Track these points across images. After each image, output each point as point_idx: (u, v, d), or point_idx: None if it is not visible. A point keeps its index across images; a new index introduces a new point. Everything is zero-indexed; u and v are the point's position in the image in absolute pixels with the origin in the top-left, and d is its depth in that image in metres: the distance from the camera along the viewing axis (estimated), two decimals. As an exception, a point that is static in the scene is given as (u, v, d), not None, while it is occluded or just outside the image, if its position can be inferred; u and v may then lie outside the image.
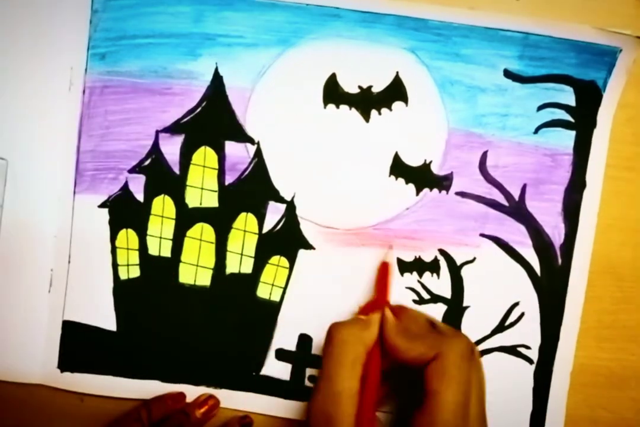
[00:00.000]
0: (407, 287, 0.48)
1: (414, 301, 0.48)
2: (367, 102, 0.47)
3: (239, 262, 0.48)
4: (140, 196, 0.48)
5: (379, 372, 0.40)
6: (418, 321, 0.43)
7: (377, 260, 0.47)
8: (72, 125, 0.47)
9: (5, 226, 0.48)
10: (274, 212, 0.48)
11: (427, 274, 0.48)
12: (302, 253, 0.48)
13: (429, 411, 0.36)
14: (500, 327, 0.48)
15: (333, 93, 0.47)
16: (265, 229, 0.48)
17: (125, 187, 0.48)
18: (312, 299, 0.48)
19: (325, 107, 0.47)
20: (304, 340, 0.48)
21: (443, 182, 0.48)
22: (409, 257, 0.48)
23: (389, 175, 0.47)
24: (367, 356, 0.40)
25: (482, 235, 0.48)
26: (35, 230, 0.48)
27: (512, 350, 0.48)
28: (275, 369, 0.49)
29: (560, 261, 0.48)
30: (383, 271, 0.46)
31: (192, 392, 0.48)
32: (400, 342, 0.39)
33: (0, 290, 0.48)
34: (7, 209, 0.48)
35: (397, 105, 0.47)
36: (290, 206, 0.48)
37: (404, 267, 0.48)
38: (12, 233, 0.48)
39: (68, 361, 0.49)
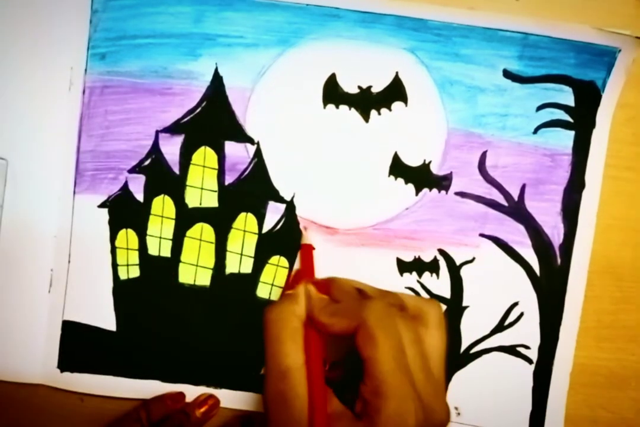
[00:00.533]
0: (406, 287, 0.48)
1: (414, 301, 0.48)
2: (366, 102, 0.47)
3: (238, 262, 0.48)
4: (140, 196, 0.48)
5: (320, 342, 0.39)
6: (345, 290, 0.42)
7: (377, 260, 0.48)
8: (72, 125, 0.47)
9: (5, 226, 0.48)
10: (274, 212, 0.48)
11: (426, 274, 0.48)
12: (302, 253, 0.48)
13: (369, 378, 0.36)
14: (500, 327, 0.48)
15: (333, 93, 0.47)
16: (265, 229, 0.48)
17: (125, 187, 0.48)
18: (312, 299, 0.48)
19: (324, 107, 0.47)
20: (304, 340, 0.48)
21: (442, 182, 0.48)
22: (408, 257, 0.48)
23: (389, 176, 0.48)
24: (304, 328, 0.39)
25: (482, 235, 0.48)
26: (35, 230, 0.48)
27: (511, 350, 0.48)
28: (275, 369, 0.49)
29: (559, 260, 0.48)
30: (305, 252, 0.47)
31: (192, 392, 0.48)
32: (324, 319, 0.39)
33: (0, 290, 0.48)
34: (7, 209, 0.47)
35: (397, 105, 0.47)
36: (290, 206, 0.48)
37: (404, 267, 0.48)
38: (12, 233, 0.48)
39: (68, 361, 0.49)
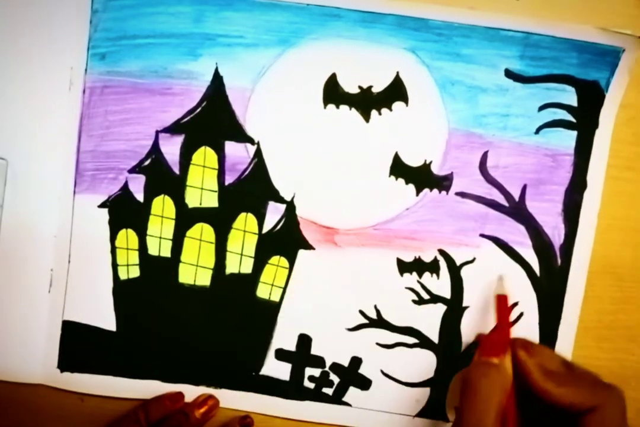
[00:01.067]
0: (406, 288, 0.48)
1: (414, 301, 0.48)
2: (367, 102, 0.47)
3: (238, 262, 0.48)
4: (140, 196, 0.48)
5: (515, 413, 0.40)
6: (554, 358, 0.42)
7: (377, 260, 0.48)
8: (72, 125, 0.47)
9: (5, 226, 0.48)
10: (274, 212, 0.48)
11: (426, 274, 0.48)
12: (301, 253, 0.48)
13: None
14: (500, 328, 0.48)
15: (333, 93, 0.47)
16: (265, 229, 0.48)
17: (125, 187, 0.48)
18: (312, 299, 0.48)
19: (325, 107, 0.47)
20: (304, 340, 0.48)
21: (443, 183, 0.47)
22: (408, 258, 0.48)
23: (389, 176, 0.47)
24: (508, 398, 0.39)
25: (482, 235, 0.48)
26: (35, 230, 0.48)
27: (511, 350, 0.48)
28: (274, 369, 0.49)
29: (559, 261, 0.48)
30: (501, 302, 0.45)
31: (192, 392, 0.49)
32: (551, 387, 0.38)
33: (1, 290, 0.48)
34: (7, 209, 0.48)
35: (398, 105, 0.47)
36: (290, 206, 0.48)
37: (404, 267, 0.48)
38: (12, 233, 0.48)
39: (68, 361, 0.49)
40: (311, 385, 0.49)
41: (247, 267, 0.48)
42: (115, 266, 0.48)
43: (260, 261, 0.48)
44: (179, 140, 0.47)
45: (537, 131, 0.47)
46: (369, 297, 0.48)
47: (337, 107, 0.47)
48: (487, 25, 0.46)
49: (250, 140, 0.47)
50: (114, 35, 0.47)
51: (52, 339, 0.48)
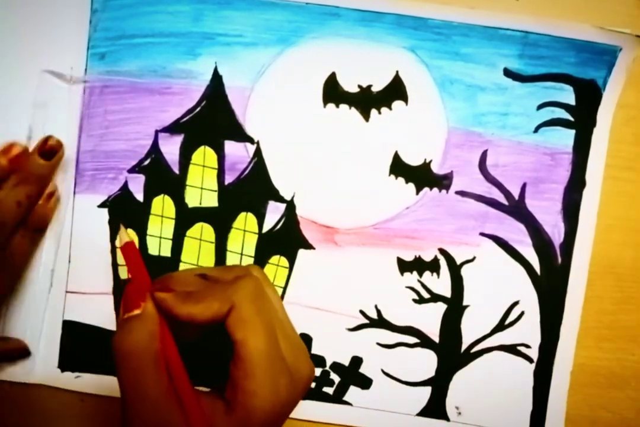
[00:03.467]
0: (407, 287, 0.48)
1: (414, 301, 0.48)
2: (366, 101, 0.47)
3: (238, 261, 0.48)
4: (140, 196, 0.48)
5: (177, 354, 0.36)
6: (189, 280, 0.39)
7: (377, 260, 0.48)
8: (72, 125, 0.47)
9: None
10: (274, 212, 0.48)
11: (427, 274, 0.48)
12: (302, 253, 0.48)
13: (240, 360, 0.35)
14: (500, 326, 0.48)
15: (333, 92, 0.47)
16: (265, 229, 0.48)
17: (125, 187, 0.48)
18: (312, 299, 0.48)
19: (324, 106, 0.47)
20: (304, 339, 0.48)
21: (443, 182, 0.47)
22: (409, 257, 0.48)
23: (389, 175, 0.47)
24: (161, 343, 0.36)
25: (482, 234, 0.48)
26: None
27: (512, 349, 0.48)
28: (275, 368, 0.49)
29: (560, 260, 0.48)
30: (129, 251, 0.39)
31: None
32: (192, 309, 0.35)
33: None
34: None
35: (397, 104, 0.47)
36: (290, 206, 0.48)
37: (404, 266, 0.48)
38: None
39: (68, 361, 0.49)
40: (312, 385, 0.49)
41: (247, 267, 0.48)
42: (115, 265, 0.48)
43: (260, 261, 0.48)
44: (178, 139, 0.47)
45: (536, 130, 0.47)
46: (369, 296, 0.48)
47: (337, 106, 0.47)
48: (486, 24, 0.46)
49: (250, 140, 0.47)
50: (113, 34, 0.47)
51: (52, 339, 0.48)
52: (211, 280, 0.39)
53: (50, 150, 0.45)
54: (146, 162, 0.48)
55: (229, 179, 0.48)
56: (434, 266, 0.48)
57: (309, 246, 0.48)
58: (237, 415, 0.34)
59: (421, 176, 0.47)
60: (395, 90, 0.47)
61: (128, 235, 0.39)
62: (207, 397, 0.36)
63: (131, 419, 0.35)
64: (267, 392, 0.34)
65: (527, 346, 0.48)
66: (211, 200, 0.48)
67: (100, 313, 0.48)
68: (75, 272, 0.48)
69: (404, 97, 0.47)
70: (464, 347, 0.48)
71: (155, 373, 0.35)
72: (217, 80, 0.47)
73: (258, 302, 0.36)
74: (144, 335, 0.35)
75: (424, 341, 0.48)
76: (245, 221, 0.48)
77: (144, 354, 0.35)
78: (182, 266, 0.48)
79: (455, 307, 0.48)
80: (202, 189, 0.48)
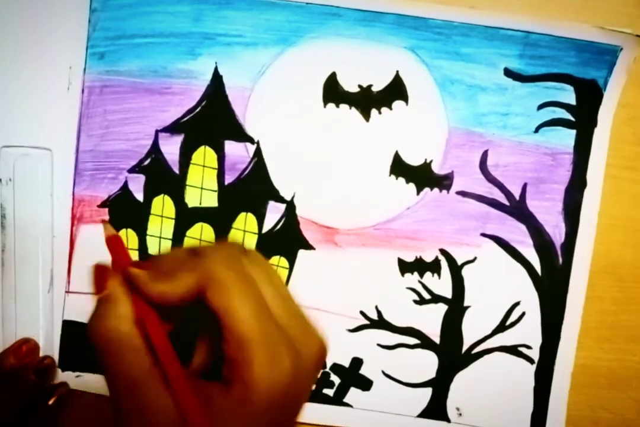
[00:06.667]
0: (407, 288, 0.48)
1: (415, 301, 0.48)
2: (367, 101, 0.47)
3: (238, 262, 0.48)
4: (140, 196, 0.48)
5: (161, 333, 0.33)
6: (178, 257, 0.35)
7: (378, 260, 0.47)
8: (72, 125, 0.47)
9: (6, 226, 0.47)
10: (274, 212, 0.48)
11: (428, 274, 0.48)
12: (302, 253, 0.48)
13: (229, 332, 0.31)
14: (501, 327, 0.48)
15: (333, 92, 0.47)
16: (265, 229, 0.48)
17: (125, 187, 0.48)
18: (312, 300, 0.48)
19: (325, 106, 0.47)
20: (304, 340, 0.48)
21: (444, 182, 0.47)
22: (409, 258, 0.48)
23: (390, 175, 0.47)
24: (138, 325, 0.33)
25: (483, 235, 0.48)
26: (35, 230, 0.48)
27: (513, 350, 0.48)
28: (275, 369, 0.48)
29: (561, 260, 0.48)
30: (113, 244, 0.37)
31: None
32: (163, 286, 0.32)
33: (1, 290, 0.48)
34: (7, 209, 0.47)
35: (398, 104, 0.47)
36: (290, 206, 0.48)
37: (405, 267, 0.48)
38: (12, 233, 0.47)
39: (68, 361, 0.48)
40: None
41: (247, 267, 0.48)
42: (115, 266, 0.48)
43: (260, 261, 0.48)
44: (178, 139, 0.47)
45: (537, 130, 0.47)
46: (369, 297, 0.48)
47: (337, 106, 0.47)
48: (486, 24, 0.46)
49: (250, 140, 0.47)
50: (112, 34, 0.47)
51: (52, 339, 0.48)
52: (199, 254, 0.35)
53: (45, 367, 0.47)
54: (146, 162, 0.48)
55: (229, 179, 0.48)
56: (434, 267, 0.48)
57: (309, 247, 0.48)
58: (236, 390, 0.31)
59: (422, 176, 0.47)
60: (396, 90, 0.47)
61: (111, 229, 0.37)
62: (202, 380, 0.33)
63: (117, 406, 0.32)
64: (265, 360, 0.31)
65: (528, 347, 0.48)
66: (211, 200, 0.48)
67: (100, 313, 0.48)
68: (75, 272, 0.48)
69: (404, 97, 0.47)
70: (464, 348, 0.48)
71: (133, 356, 0.32)
72: (217, 80, 0.47)
73: (235, 267, 0.33)
74: (112, 317, 0.33)
75: (425, 342, 0.48)
76: (245, 221, 0.48)
77: (115, 337, 0.33)
78: (182, 266, 0.48)
79: (456, 308, 0.48)
80: (202, 189, 0.48)
